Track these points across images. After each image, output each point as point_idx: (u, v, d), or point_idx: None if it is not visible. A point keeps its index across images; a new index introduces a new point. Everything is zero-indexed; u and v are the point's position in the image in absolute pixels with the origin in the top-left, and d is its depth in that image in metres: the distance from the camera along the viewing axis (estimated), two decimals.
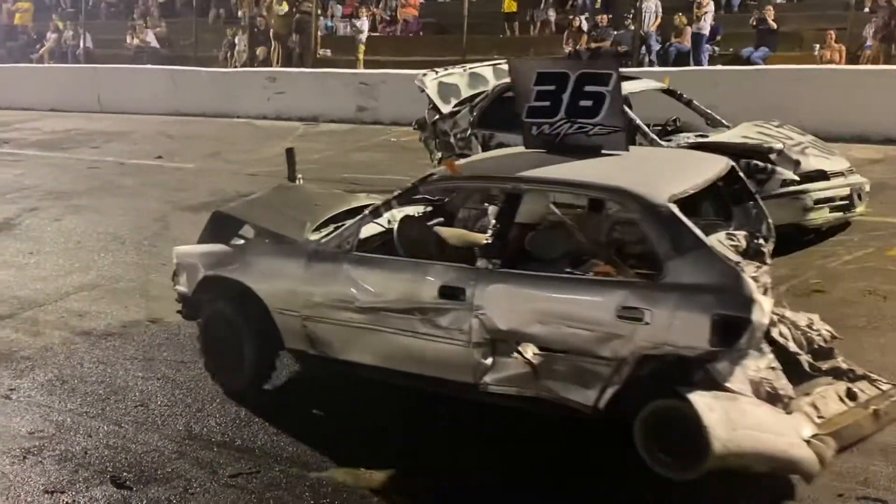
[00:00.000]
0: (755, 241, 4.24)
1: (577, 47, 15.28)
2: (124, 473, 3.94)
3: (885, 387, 3.95)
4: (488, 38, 16.95)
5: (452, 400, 4.16)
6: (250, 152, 12.64)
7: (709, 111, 8.39)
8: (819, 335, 4.19)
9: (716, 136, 7.73)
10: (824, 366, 4.02)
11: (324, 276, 4.35)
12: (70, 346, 5.55)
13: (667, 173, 4.35)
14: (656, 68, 13.72)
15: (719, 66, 13.93)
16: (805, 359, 3.98)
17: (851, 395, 3.86)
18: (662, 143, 7.44)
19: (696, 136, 7.83)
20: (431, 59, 12.97)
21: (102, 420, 4.51)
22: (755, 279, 3.71)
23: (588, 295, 3.82)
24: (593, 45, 15.35)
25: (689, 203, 3.99)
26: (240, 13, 20.44)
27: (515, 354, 3.87)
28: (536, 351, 3.84)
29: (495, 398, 3.97)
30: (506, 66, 9.55)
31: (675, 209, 3.77)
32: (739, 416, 3.43)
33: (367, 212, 4.47)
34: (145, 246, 7.95)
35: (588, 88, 4.31)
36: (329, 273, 4.33)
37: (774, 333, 3.87)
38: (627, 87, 8.30)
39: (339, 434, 4.31)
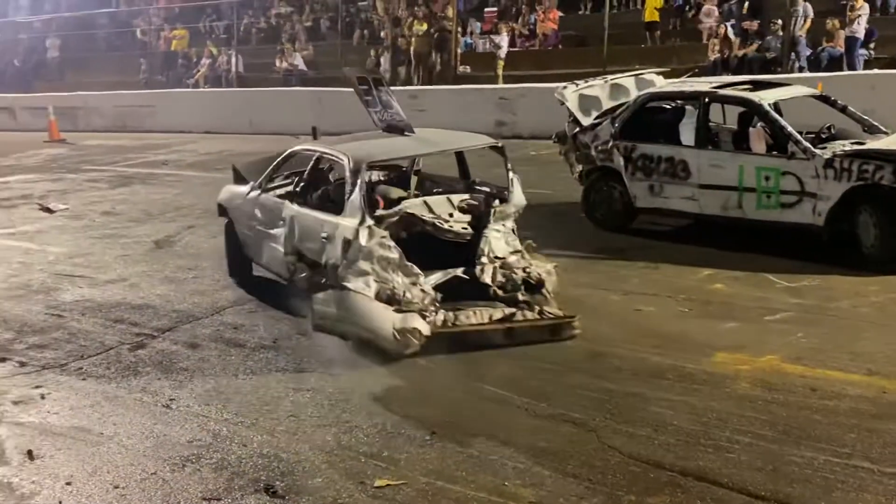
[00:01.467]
0: (475, 200, 6.32)
1: (725, 55, 14.85)
2: (277, 482, 4.05)
3: (542, 316, 5.84)
4: (629, 48, 16.69)
5: None
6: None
7: (865, 117, 7.99)
8: (530, 276, 6.06)
9: (874, 143, 7.34)
10: (518, 296, 5.97)
11: (249, 203, 7.09)
12: (225, 358, 5.77)
13: (392, 147, 6.69)
14: (807, 74, 13.19)
15: (875, 71, 13.25)
16: (493, 289, 5.98)
17: (506, 317, 5.80)
18: (817, 150, 7.11)
19: (853, 143, 7.45)
20: (571, 72, 12.91)
21: (256, 430, 4.65)
22: (408, 221, 6.02)
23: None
24: (740, 52, 14.90)
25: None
26: (382, 34, 20.92)
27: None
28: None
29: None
30: (648, 77, 9.44)
31: (362, 168, 6.02)
32: (341, 302, 5.79)
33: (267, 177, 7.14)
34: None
35: (381, 89, 6.83)
36: (250, 202, 7.07)
37: (478, 270, 6.03)
38: (776, 94, 8.03)
39: (478, 446, 4.31)
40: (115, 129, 21.58)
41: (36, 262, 8.62)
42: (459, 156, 6.99)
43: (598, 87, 9.19)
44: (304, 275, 6.33)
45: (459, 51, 18.87)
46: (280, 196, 6.86)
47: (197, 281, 7.70)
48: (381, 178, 7.16)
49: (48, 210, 11.33)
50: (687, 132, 8.28)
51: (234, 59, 21.85)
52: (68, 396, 5.22)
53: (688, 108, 8.58)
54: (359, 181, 5.90)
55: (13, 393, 5.29)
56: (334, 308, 5.86)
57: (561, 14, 19.09)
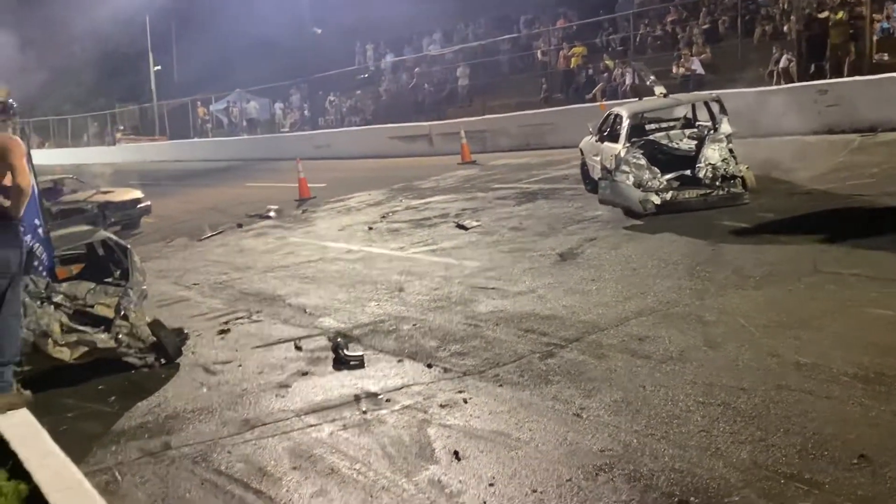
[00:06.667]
0: (698, 130, 11.99)
1: None
2: (691, 498, 3.96)
3: (725, 192, 10.78)
4: None
5: None
6: (804, 170, 12.13)
7: None
8: (727, 172, 10.93)
9: None
10: (716, 183, 10.95)
11: (588, 145, 13.38)
12: (632, 370, 5.78)
13: (650, 105, 12.82)
14: None
15: None
16: (704, 181, 11.00)
17: (705, 194, 10.83)
18: None
19: None
20: None
21: (667, 443, 4.59)
22: None
23: None
24: None
25: None
26: (784, 28, 19.83)
27: None
28: None
29: None
30: None
31: (625, 115, 12.02)
32: (612, 187, 11.10)
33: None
34: (697, 271, 8.02)
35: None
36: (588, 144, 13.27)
37: (696, 169, 11.08)
38: None
39: None
40: (519, 148, 22.77)
41: (455, 275, 9.33)
42: (708, 107, 11.98)
43: None
44: (601, 175, 11.43)
45: (875, 38, 17.27)
46: (598, 139, 12.73)
47: (600, 292, 7.82)
48: (660, 126, 12.45)
49: (463, 227, 12.23)
50: None
51: (629, 71, 22.01)
52: (487, 401, 5.55)
53: None
54: (625, 123, 11.56)
55: (439, 397, 5.74)
56: (609, 190, 11.08)
57: None
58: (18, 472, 4.62)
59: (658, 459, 4.41)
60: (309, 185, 19.28)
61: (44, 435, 5.15)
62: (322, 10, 36.18)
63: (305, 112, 37.41)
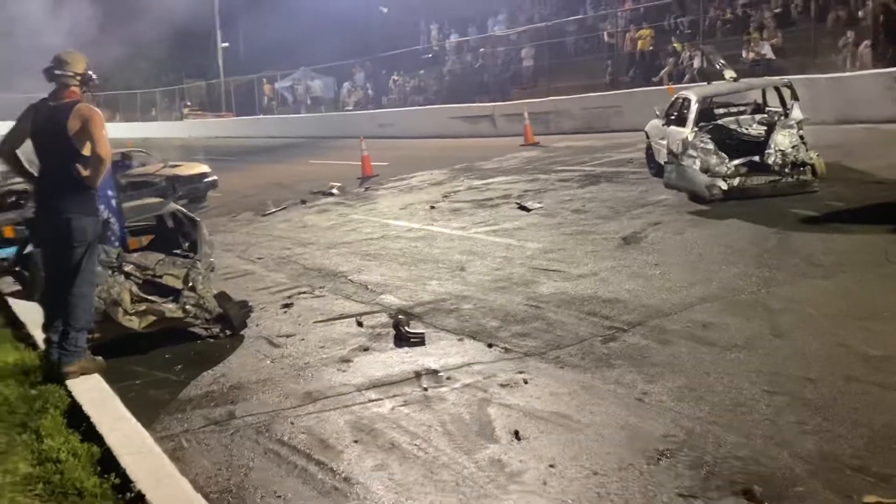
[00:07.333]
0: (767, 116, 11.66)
1: None
2: (755, 487, 3.90)
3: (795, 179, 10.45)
4: None
5: None
6: (877, 158, 11.82)
7: None
8: (797, 159, 10.59)
9: None
10: (786, 170, 10.66)
11: (654, 128, 13.52)
12: (696, 356, 5.72)
13: (716, 89, 12.72)
14: None
15: None
16: (773, 167, 10.75)
17: (773, 180, 10.62)
18: None
19: None
20: None
21: (730, 431, 4.54)
22: None
23: None
24: None
25: None
26: (860, 13, 19.29)
27: None
28: None
29: None
30: None
31: (694, 99, 11.85)
32: (679, 171, 10.97)
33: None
34: (765, 258, 7.88)
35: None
36: (654, 127, 13.59)
37: (765, 155, 10.81)
38: None
39: None
40: (582, 131, 22.61)
41: (516, 256, 9.31)
42: (779, 93, 11.87)
43: None
44: (667, 160, 11.38)
45: None
46: (664, 123, 12.67)
47: (664, 277, 7.74)
48: (729, 111, 12.42)
49: (525, 208, 12.19)
50: None
51: (697, 55, 21.62)
52: (548, 383, 5.54)
53: None
54: (693, 107, 11.47)
55: (500, 376, 5.74)
56: (675, 174, 10.92)
57: None
58: (91, 434, 4.76)
59: (721, 447, 4.37)
60: (372, 163, 19.38)
61: (115, 400, 5.31)
62: None
63: (369, 91, 37.56)
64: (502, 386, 5.57)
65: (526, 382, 5.58)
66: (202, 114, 48.73)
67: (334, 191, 17.00)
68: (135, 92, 52.59)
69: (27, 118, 6.07)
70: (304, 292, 8.85)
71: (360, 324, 7.42)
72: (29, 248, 8.42)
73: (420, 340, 6.71)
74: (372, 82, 37.80)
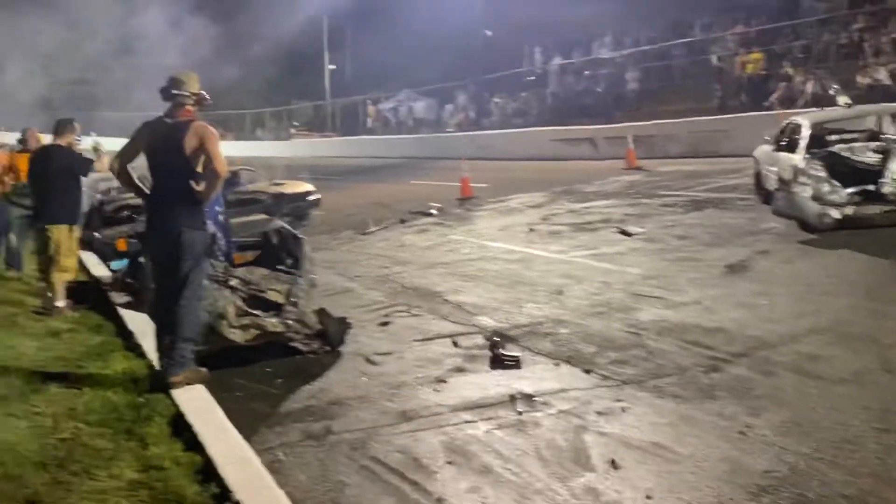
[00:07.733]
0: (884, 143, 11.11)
1: None
2: None
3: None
4: None
5: None
6: None
7: None
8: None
9: None
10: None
11: (763, 154, 13.27)
12: (802, 389, 5.52)
13: (831, 115, 12.67)
14: None
15: None
16: (888, 196, 10.21)
17: (890, 210, 10.07)
18: None
19: None
20: None
21: (837, 469, 4.35)
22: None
23: None
24: None
25: None
26: None
27: None
28: None
29: None
30: None
31: (805, 125, 11.83)
32: (789, 199, 10.65)
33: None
34: (877, 291, 7.58)
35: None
36: (763, 152, 13.29)
37: (881, 184, 10.30)
38: None
39: None
40: (688, 155, 22.20)
41: (615, 281, 9.19)
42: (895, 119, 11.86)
43: None
44: (776, 187, 11.18)
45: None
46: (774, 149, 12.40)
47: (770, 307, 7.51)
48: (842, 138, 11.82)
49: (626, 233, 12.03)
50: None
51: (811, 81, 21.04)
52: (647, 412, 5.43)
53: None
54: (804, 133, 11.24)
55: (596, 404, 5.65)
56: (785, 202, 10.64)
57: None
58: (193, 443, 4.89)
59: (827, 485, 4.19)
60: (471, 184, 19.47)
61: (218, 411, 5.44)
62: (494, 12, 36.50)
63: (470, 113, 37.81)
64: (599, 413, 5.48)
65: (624, 411, 5.48)
66: (308, 133, 49.94)
67: (433, 211, 17.13)
68: (244, 112, 54.23)
69: (142, 135, 6.33)
70: (400, 311, 8.92)
71: (455, 344, 7.44)
72: (140, 261, 8.76)
73: (515, 363, 6.68)
74: (474, 104, 38.04)
